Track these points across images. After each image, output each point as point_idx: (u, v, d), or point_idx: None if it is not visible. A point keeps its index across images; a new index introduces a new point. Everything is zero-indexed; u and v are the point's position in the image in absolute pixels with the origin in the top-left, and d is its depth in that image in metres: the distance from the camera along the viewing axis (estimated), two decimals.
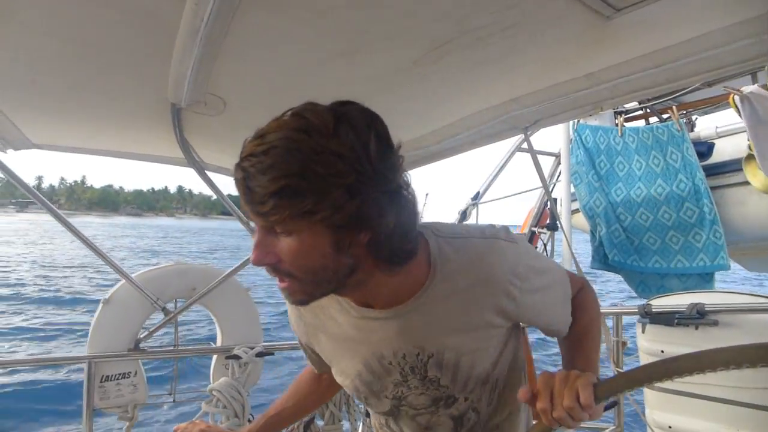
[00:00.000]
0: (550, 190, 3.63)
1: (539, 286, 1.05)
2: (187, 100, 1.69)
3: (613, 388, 0.83)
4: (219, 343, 2.66)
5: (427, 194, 4.54)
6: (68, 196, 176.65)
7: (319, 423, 2.52)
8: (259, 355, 2.56)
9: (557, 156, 3.62)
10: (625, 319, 3.02)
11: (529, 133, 2.05)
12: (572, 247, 2.76)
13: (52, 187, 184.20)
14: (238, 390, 2.40)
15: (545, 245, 3.38)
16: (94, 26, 1.30)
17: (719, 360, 0.73)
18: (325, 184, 0.77)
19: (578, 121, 3.47)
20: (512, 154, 2.81)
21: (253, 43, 1.39)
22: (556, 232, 3.28)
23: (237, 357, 2.52)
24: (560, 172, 3.46)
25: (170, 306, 2.53)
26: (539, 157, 3.63)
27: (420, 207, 0.95)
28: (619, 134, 3.30)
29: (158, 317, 2.51)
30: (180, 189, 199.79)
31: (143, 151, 2.26)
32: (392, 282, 0.94)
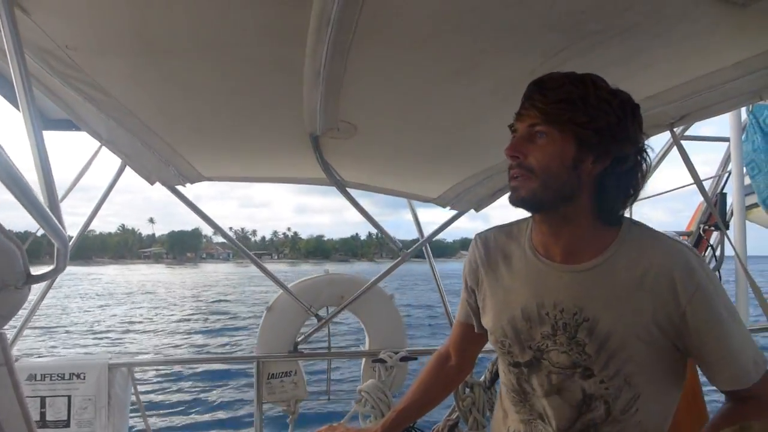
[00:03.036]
0: (725, 181, 3.19)
1: (717, 314, 1.02)
2: (322, 129, 1.88)
3: None
4: (367, 346, 2.84)
5: None
6: (291, 246, 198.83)
7: (464, 428, 2.55)
8: (403, 359, 2.68)
9: (729, 141, 3.14)
10: None
11: (676, 130, 1.85)
12: (745, 249, 2.39)
13: (270, 239, 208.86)
14: (384, 392, 2.54)
15: (714, 249, 2.94)
16: (239, 81, 1.54)
17: None
18: (597, 114, 1.01)
19: None
20: (667, 151, 2.52)
21: (371, 73, 1.50)
22: (727, 232, 2.85)
23: (382, 361, 2.67)
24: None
25: (322, 312, 2.78)
26: (706, 143, 3.22)
27: None
28: None
29: (313, 323, 2.77)
30: (373, 235, 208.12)
31: (292, 175, 2.52)
32: (585, 235, 1.09)
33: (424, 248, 2.82)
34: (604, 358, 1.07)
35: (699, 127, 2.77)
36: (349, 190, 2.50)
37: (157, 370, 8.79)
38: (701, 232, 3.00)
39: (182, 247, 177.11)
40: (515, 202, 1.08)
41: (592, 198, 1.06)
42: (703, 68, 1.48)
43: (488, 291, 1.27)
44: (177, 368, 9.14)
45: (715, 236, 3.04)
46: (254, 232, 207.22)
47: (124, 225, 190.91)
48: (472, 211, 2.73)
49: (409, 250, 2.69)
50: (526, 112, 1.07)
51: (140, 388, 2.68)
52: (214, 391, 8.25)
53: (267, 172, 2.49)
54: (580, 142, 1.02)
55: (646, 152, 1.08)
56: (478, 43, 1.30)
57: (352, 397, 2.65)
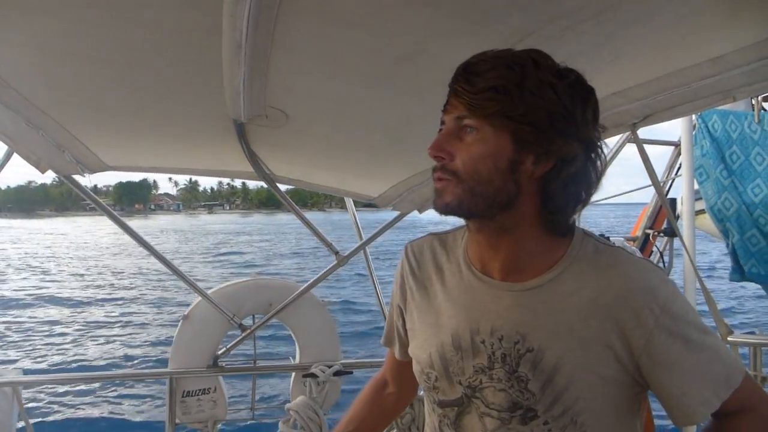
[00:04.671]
0: (669, 186, 3.16)
1: (685, 336, 0.87)
2: (247, 115, 1.63)
3: None
4: (297, 359, 2.59)
5: None
6: (243, 197, 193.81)
7: None
8: (337, 374, 2.45)
9: (677, 145, 3.10)
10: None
11: (637, 129, 1.72)
12: (695, 256, 2.32)
13: (217, 190, 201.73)
14: (315, 410, 2.30)
15: (661, 254, 2.90)
16: (145, 51, 1.27)
17: None
18: (536, 103, 0.82)
19: None
20: (618, 149, 2.42)
21: (304, 53, 1.29)
22: (675, 239, 2.80)
23: (314, 375, 2.42)
24: (680, 166, 2.97)
25: (248, 321, 2.50)
26: (655, 147, 3.18)
27: None
28: (756, 120, 2.72)
29: (237, 333, 2.48)
30: None
31: (214, 167, 2.23)
32: (529, 248, 0.92)
33: (363, 251, 2.59)
34: (550, 397, 0.89)
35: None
36: (280, 185, 2.24)
37: (50, 388, 7.95)
38: (650, 237, 2.95)
39: (131, 199, 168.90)
40: (440, 208, 0.90)
41: (536, 204, 0.89)
42: (678, 62, 1.34)
43: (417, 312, 1.07)
44: (74, 386, 8.25)
45: (659, 242, 3.00)
46: (196, 183, 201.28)
47: None
48: None
49: (346, 255, 2.46)
50: (453, 102, 0.89)
51: (30, 409, 2.29)
52: (120, 411, 7.55)
53: (184, 162, 2.19)
54: (518, 139, 0.84)
55: (601, 148, 0.90)
56: (428, 24, 1.11)
57: (280, 414, 2.40)
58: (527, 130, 0.83)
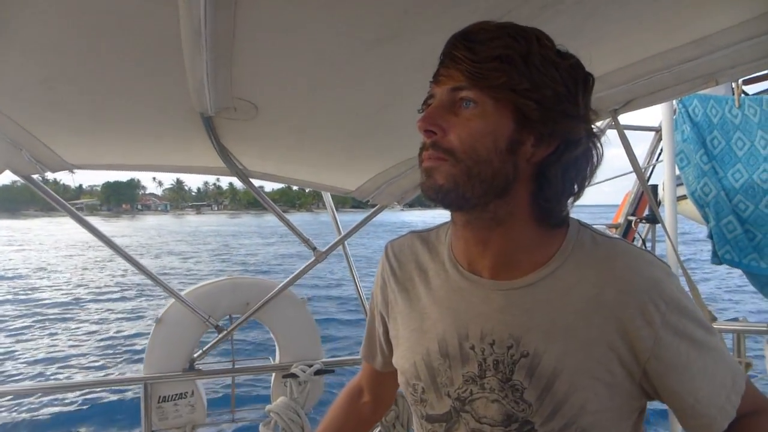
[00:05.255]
0: (651, 172, 3.13)
1: (691, 336, 0.81)
2: (214, 108, 1.56)
3: None
4: (277, 359, 2.52)
5: None
6: (231, 197, 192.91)
7: None
8: (318, 373, 2.39)
9: (658, 130, 3.08)
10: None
11: (618, 115, 1.68)
12: (677, 244, 2.30)
13: (204, 191, 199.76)
14: (296, 411, 2.24)
15: (643, 241, 2.88)
16: (102, 42, 1.19)
17: None
18: (542, 80, 0.76)
19: None
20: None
21: (270, 38, 1.22)
22: (657, 225, 2.78)
23: (294, 375, 2.36)
24: (661, 151, 2.94)
25: (225, 322, 2.42)
26: (636, 132, 3.16)
27: None
28: (737, 105, 2.71)
29: (213, 334, 2.41)
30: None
31: (184, 163, 2.13)
32: (521, 241, 0.84)
33: (342, 246, 2.53)
34: (549, 407, 0.81)
35: None
36: (254, 180, 2.16)
37: (18, 399, 7.64)
38: (632, 225, 2.93)
39: (118, 199, 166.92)
40: (429, 191, 0.80)
41: (530, 192, 0.81)
42: (660, 45, 1.30)
43: (400, 317, 0.99)
44: (44, 395, 7.92)
45: (641, 229, 2.98)
46: (182, 183, 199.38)
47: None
48: None
49: (324, 250, 2.39)
50: (447, 72, 0.79)
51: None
52: (94, 419, 7.31)
53: (152, 158, 2.09)
54: (521, 116, 0.76)
55: (598, 137, 0.83)
56: (400, 4, 1.04)
57: (261, 417, 2.33)
58: (532, 107, 0.75)
